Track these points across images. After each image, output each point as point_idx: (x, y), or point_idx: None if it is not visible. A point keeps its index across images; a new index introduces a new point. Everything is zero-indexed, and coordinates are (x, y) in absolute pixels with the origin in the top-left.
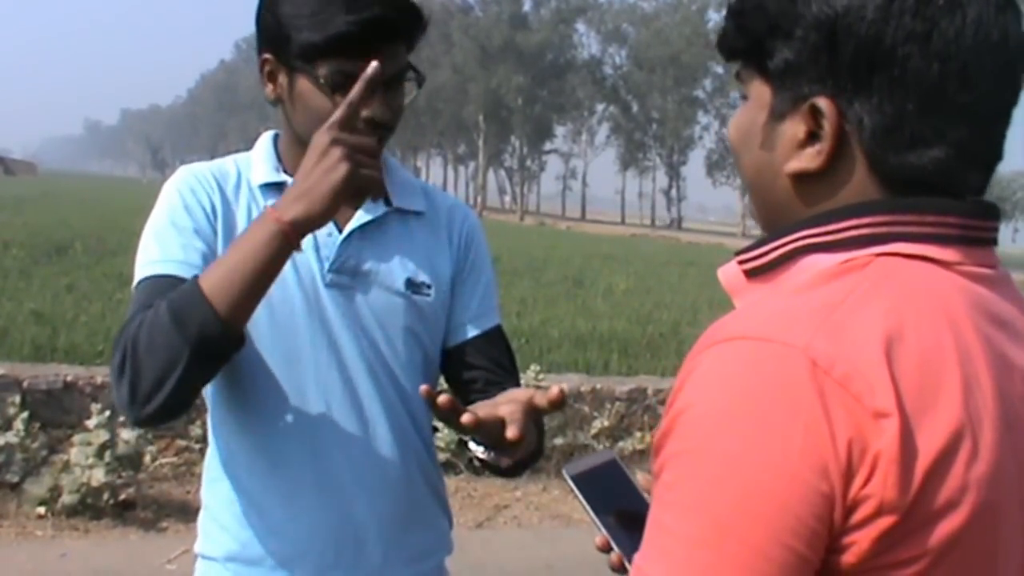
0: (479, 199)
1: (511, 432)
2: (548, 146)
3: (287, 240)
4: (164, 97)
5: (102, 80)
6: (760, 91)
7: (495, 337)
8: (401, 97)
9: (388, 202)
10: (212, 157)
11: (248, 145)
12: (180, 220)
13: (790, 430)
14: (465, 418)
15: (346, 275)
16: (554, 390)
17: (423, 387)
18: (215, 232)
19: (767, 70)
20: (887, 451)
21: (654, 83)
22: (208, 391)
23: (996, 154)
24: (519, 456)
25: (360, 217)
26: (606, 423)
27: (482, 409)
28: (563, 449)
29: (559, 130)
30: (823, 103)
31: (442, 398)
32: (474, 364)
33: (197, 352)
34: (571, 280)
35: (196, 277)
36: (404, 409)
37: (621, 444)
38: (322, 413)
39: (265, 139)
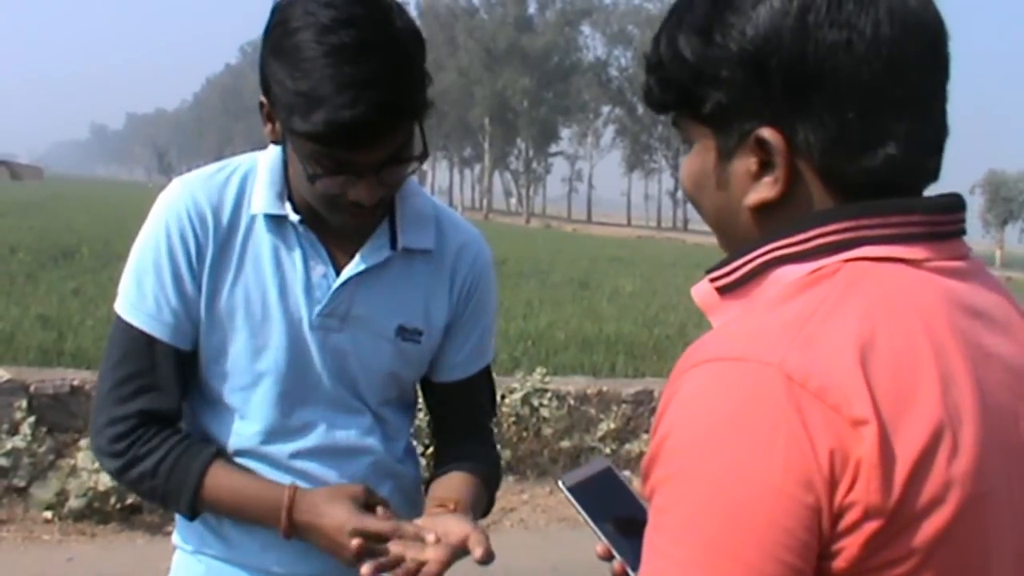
0: (485, 202)
1: None
2: (554, 148)
3: (282, 532)
4: (170, 101)
5: (108, 85)
6: (702, 135)
7: (480, 379)
8: (399, 173)
9: (394, 242)
10: (218, 160)
11: (253, 149)
12: (161, 264)
13: (771, 447)
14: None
15: (335, 319)
16: (479, 552)
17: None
18: (196, 277)
19: (703, 116)
20: (868, 458)
21: None
22: (185, 416)
23: (941, 135)
24: None
25: (359, 264)
26: (612, 425)
27: (411, 552)
28: (569, 452)
29: (565, 132)
30: (768, 133)
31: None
32: (453, 405)
33: (169, 509)
34: (577, 282)
35: (203, 475)
36: (382, 437)
37: (628, 446)
38: (300, 445)
39: (276, 152)
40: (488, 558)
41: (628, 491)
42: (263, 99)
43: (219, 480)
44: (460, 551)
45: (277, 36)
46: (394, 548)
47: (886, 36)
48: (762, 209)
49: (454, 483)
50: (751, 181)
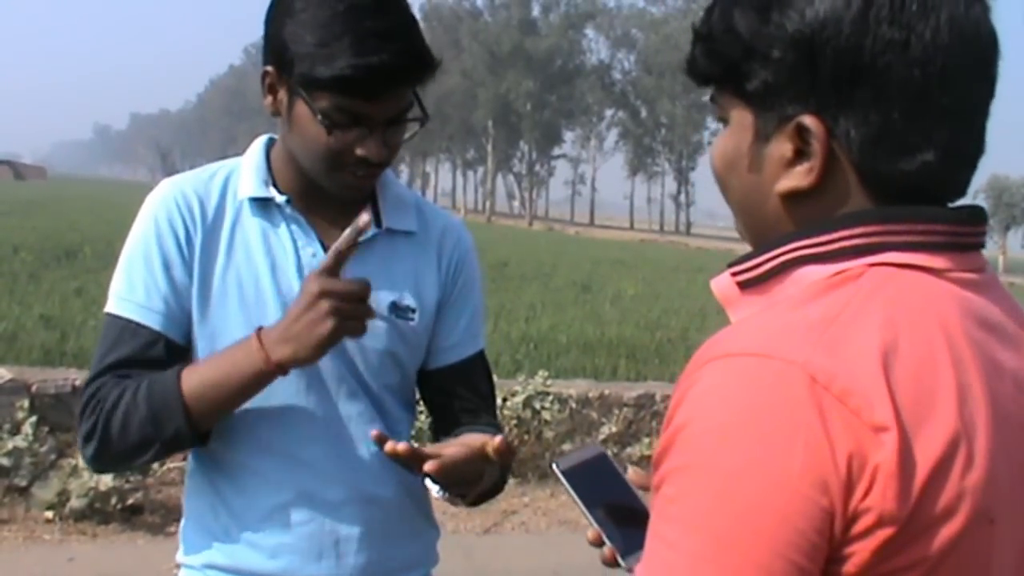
0: (488, 204)
1: (428, 466)
2: (557, 151)
3: (272, 376)
4: (174, 102)
5: (112, 84)
6: (741, 114)
7: (476, 363)
8: (401, 134)
9: (379, 222)
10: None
11: None
12: (150, 253)
13: (791, 446)
14: (401, 447)
15: None
16: (497, 439)
17: (374, 432)
18: (186, 263)
19: (745, 93)
20: (886, 464)
21: (663, 88)
22: None
23: (979, 149)
24: (472, 496)
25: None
26: (614, 429)
27: (431, 449)
28: None
29: (568, 135)
30: (809, 121)
31: (388, 445)
32: (452, 391)
33: (167, 446)
34: (579, 285)
35: (180, 376)
36: (384, 426)
37: (629, 450)
38: (303, 432)
39: (257, 146)
40: (506, 447)
41: (621, 478)
42: (268, 68)
43: (194, 370)
44: (478, 457)
45: (290, 1)
46: (411, 446)
47: (943, 44)
48: (792, 197)
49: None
50: (784, 167)
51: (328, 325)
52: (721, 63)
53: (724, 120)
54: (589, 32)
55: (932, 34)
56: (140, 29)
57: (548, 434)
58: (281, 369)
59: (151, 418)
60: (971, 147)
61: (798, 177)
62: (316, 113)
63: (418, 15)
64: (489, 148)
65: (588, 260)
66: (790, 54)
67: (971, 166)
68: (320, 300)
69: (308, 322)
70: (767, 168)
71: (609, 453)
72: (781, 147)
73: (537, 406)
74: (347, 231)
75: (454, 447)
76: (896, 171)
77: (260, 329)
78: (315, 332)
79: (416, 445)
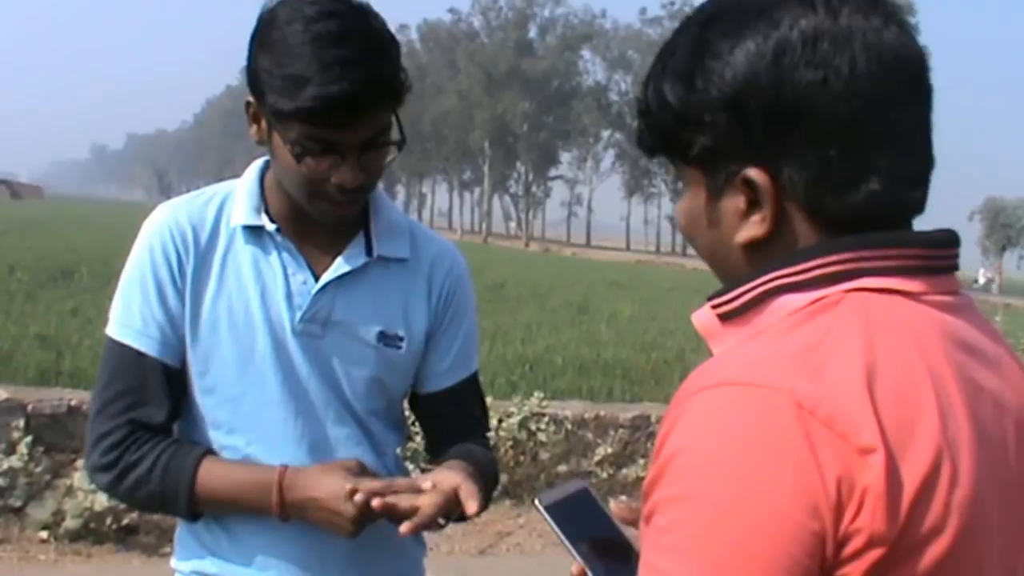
0: (484, 225)
1: (403, 528)
2: (553, 172)
3: (278, 518)
4: (170, 122)
5: (109, 105)
6: (692, 176)
7: (468, 387)
8: (379, 158)
9: (370, 250)
10: (217, 182)
11: None
12: (146, 281)
13: (780, 472)
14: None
15: (317, 324)
16: (472, 506)
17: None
18: (179, 291)
19: (691, 158)
20: (874, 486)
21: None
22: (179, 430)
23: (927, 166)
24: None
25: (339, 267)
26: (609, 450)
27: (404, 499)
28: (566, 476)
29: (564, 156)
30: (753, 173)
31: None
32: (444, 414)
33: (167, 513)
34: (576, 307)
35: (196, 470)
36: (371, 448)
37: (625, 471)
38: (292, 454)
39: (253, 171)
40: (480, 511)
41: (604, 513)
42: (249, 99)
43: (212, 473)
44: (453, 501)
45: (265, 32)
46: (387, 499)
47: (863, 73)
48: (752, 246)
49: (448, 463)
50: (740, 219)
51: (341, 533)
52: (662, 135)
53: (682, 182)
54: (586, 53)
55: (850, 67)
56: (137, 49)
57: (544, 455)
58: (286, 517)
59: (159, 497)
60: (917, 166)
61: (754, 227)
62: (287, 142)
63: (414, 36)
64: (485, 169)
65: (584, 281)
66: (720, 116)
67: (920, 184)
68: (346, 522)
69: (326, 519)
70: (725, 222)
71: (592, 488)
72: (734, 201)
73: (533, 427)
74: (391, 500)
75: (433, 497)
76: (844, 204)
77: (285, 474)
78: (329, 527)
79: (390, 500)
